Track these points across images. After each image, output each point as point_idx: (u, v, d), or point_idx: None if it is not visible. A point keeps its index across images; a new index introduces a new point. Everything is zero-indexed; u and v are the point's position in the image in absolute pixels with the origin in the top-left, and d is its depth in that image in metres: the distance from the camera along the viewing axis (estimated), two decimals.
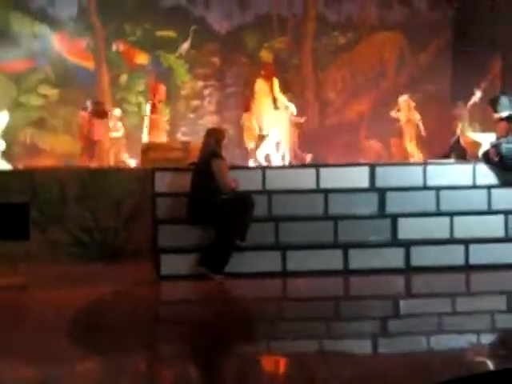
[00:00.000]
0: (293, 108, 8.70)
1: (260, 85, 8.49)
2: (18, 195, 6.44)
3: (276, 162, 8.55)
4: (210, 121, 11.85)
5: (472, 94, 11.13)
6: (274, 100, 8.39)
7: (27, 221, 5.64)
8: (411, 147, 10.18)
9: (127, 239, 6.50)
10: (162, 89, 9.49)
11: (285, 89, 9.91)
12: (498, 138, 6.00)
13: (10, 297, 5.03)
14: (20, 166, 9.42)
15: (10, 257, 6.21)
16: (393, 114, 10.29)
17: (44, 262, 6.24)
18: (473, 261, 5.72)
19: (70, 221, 6.47)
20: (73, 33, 11.46)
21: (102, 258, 6.42)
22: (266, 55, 12.21)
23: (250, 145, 9.34)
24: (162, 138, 9.22)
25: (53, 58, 11.33)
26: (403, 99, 10.31)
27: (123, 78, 11.83)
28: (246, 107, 9.52)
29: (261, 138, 8.67)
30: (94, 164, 9.06)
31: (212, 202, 5.56)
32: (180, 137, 11.55)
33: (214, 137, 5.85)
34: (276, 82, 8.44)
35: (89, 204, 6.52)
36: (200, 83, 12.26)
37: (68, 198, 6.53)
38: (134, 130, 11.50)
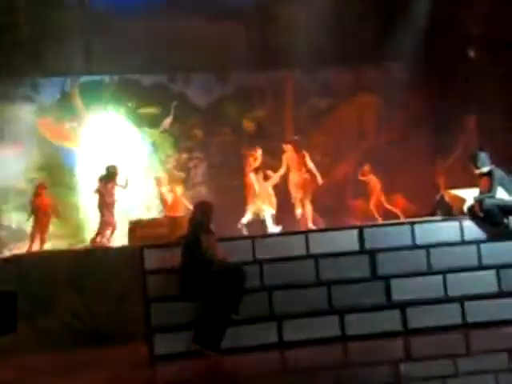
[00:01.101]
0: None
1: (290, 158, 9.68)
2: (4, 284, 6.34)
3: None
4: (197, 192, 11.90)
5: (452, 148, 11.40)
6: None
7: (14, 311, 5.53)
8: None
9: (118, 320, 6.38)
10: (259, 152, 9.69)
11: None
12: (480, 193, 6.08)
13: None
14: (6, 253, 9.32)
15: None
16: None
17: (34, 352, 6.08)
18: (470, 318, 5.66)
19: (60, 307, 6.37)
20: (57, 116, 11.63)
21: (94, 343, 6.27)
22: (248, 124, 12.45)
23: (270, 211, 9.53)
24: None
25: (38, 141, 11.44)
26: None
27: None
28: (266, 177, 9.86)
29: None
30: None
31: (203, 276, 5.50)
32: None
33: (201, 210, 5.88)
34: (306, 154, 9.63)
35: (78, 287, 6.43)
36: (185, 156, 12.40)
37: (56, 283, 6.45)
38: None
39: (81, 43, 11.06)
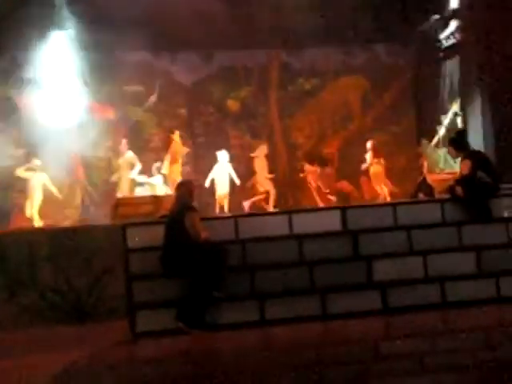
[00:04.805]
0: None
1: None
2: None
3: None
4: (182, 171, 11.84)
5: (436, 131, 11.48)
6: None
7: None
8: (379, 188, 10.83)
9: (100, 297, 6.39)
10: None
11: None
12: (461, 176, 6.09)
13: None
14: None
15: None
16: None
17: (15, 327, 6.07)
18: (450, 298, 5.74)
19: (41, 283, 6.35)
20: (40, 93, 11.45)
21: (76, 319, 6.27)
22: (232, 104, 12.40)
23: None
24: None
25: (19, 118, 11.27)
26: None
27: (92, 134, 11.78)
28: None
29: None
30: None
31: (186, 254, 5.51)
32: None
33: (187, 188, 5.88)
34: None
35: (59, 264, 6.41)
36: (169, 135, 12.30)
37: (38, 259, 6.43)
38: (103, 185, 11.44)
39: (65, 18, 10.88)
